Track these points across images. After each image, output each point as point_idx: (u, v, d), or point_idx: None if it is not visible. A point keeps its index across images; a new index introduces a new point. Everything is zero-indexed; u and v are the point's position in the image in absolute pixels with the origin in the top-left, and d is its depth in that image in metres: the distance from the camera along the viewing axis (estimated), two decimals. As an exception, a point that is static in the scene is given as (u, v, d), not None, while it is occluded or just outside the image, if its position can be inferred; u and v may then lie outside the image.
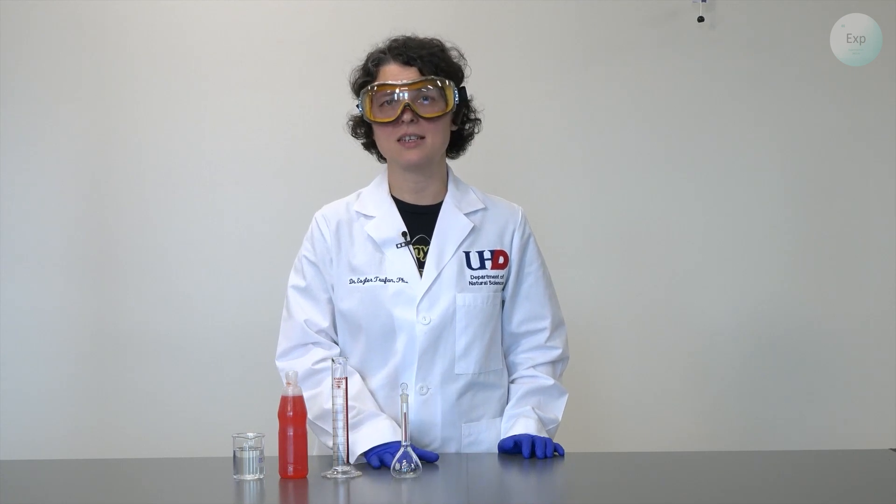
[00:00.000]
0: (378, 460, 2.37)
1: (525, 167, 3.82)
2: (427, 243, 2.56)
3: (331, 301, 2.58)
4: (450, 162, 2.66)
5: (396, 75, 2.50)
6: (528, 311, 2.63)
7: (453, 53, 2.59)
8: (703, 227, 3.83)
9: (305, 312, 2.57)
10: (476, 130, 2.66)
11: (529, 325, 2.63)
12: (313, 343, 2.56)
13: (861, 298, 3.82)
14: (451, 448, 2.54)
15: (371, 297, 2.53)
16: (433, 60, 2.51)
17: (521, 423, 2.52)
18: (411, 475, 2.25)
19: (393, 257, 2.54)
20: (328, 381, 2.37)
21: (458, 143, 2.63)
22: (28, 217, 3.80)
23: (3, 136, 3.80)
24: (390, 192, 2.60)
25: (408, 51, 2.51)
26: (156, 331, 3.78)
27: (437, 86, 2.50)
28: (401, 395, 2.27)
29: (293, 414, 2.25)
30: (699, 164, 3.83)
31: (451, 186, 2.62)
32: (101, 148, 3.81)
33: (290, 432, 2.25)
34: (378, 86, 2.50)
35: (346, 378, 2.26)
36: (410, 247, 2.55)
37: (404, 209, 2.58)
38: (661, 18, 3.80)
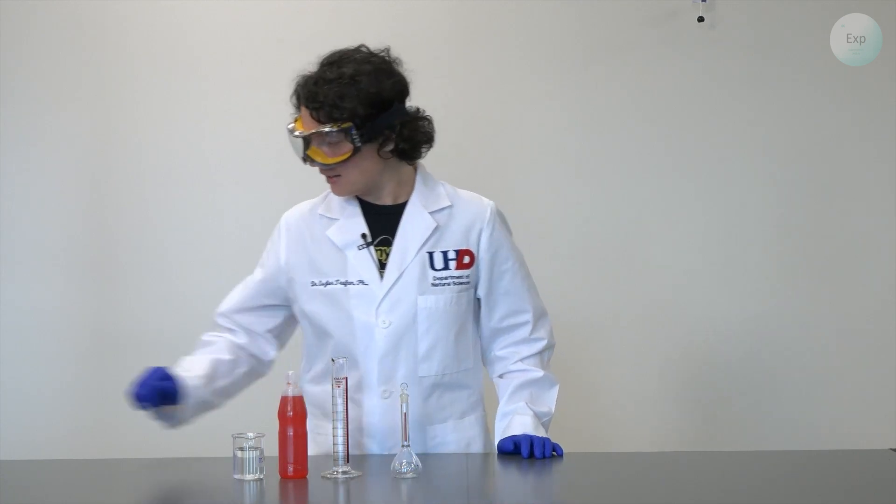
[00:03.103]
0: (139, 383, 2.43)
1: (525, 167, 3.81)
2: (390, 244, 2.54)
3: (265, 308, 2.62)
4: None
5: (301, 118, 2.49)
6: (510, 307, 2.60)
7: (370, 82, 2.45)
8: (702, 226, 3.83)
9: (233, 299, 2.66)
10: (423, 138, 2.54)
11: (512, 320, 2.61)
12: (231, 325, 2.65)
13: (861, 298, 3.82)
14: (416, 451, 2.52)
15: (332, 300, 2.52)
16: (331, 109, 2.42)
17: (517, 421, 2.51)
18: (411, 475, 2.25)
19: (354, 259, 2.52)
20: (209, 350, 2.58)
21: (405, 152, 2.53)
22: (28, 217, 3.80)
23: (3, 136, 3.80)
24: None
25: (308, 98, 2.45)
26: (156, 331, 3.78)
27: (335, 130, 2.43)
28: (401, 395, 2.27)
29: (293, 414, 2.25)
30: (699, 163, 3.83)
31: (418, 184, 2.58)
32: (101, 148, 3.81)
33: (290, 432, 2.25)
34: (288, 129, 2.50)
35: (346, 378, 2.26)
36: (372, 248, 2.53)
37: (369, 209, 2.56)
38: (661, 18, 3.80)
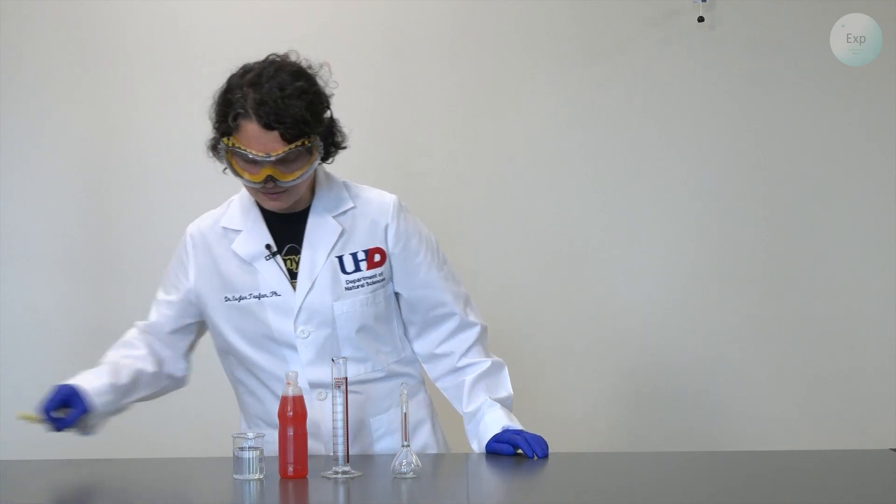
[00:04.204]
0: (52, 393, 2.46)
1: (524, 167, 3.81)
2: (298, 252, 2.51)
3: (184, 329, 2.63)
4: (325, 164, 2.56)
5: (257, 138, 2.35)
6: (431, 300, 2.57)
7: (317, 88, 2.42)
8: (702, 225, 3.83)
9: (159, 320, 2.65)
10: (344, 145, 2.52)
11: (436, 312, 2.58)
12: (146, 337, 2.64)
13: (861, 297, 3.82)
14: (365, 442, 2.53)
15: (248, 314, 2.50)
16: (297, 125, 2.34)
17: (490, 418, 2.49)
18: (411, 475, 2.25)
19: (264, 271, 2.50)
20: (131, 351, 2.60)
21: (325, 156, 2.49)
22: (28, 217, 3.80)
23: (3, 135, 3.80)
24: (256, 202, 2.53)
25: (269, 115, 2.33)
26: (156, 331, 3.78)
27: (301, 147, 2.36)
28: (400, 395, 2.27)
29: (293, 414, 2.25)
30: (698, 163, 3.83)
31: (319, 189, 2.54)
32: (101, 148, 3.81)
33: (290, 432, 2.25)
34: (238, 151, 2.38)
35: (346, 378, 2.26)
36: (279, 258, 2.51)
37: (272, 218, 2.53)
38: (661, 18, 3.80)
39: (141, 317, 3.78)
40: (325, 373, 2.46)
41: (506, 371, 2.60)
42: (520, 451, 2.45)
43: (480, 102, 3.82)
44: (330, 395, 2.46)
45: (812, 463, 2.48)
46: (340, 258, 2.51)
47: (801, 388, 3.82)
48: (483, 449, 2.51)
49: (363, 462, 2.41)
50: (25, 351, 3.79)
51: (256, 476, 2.23)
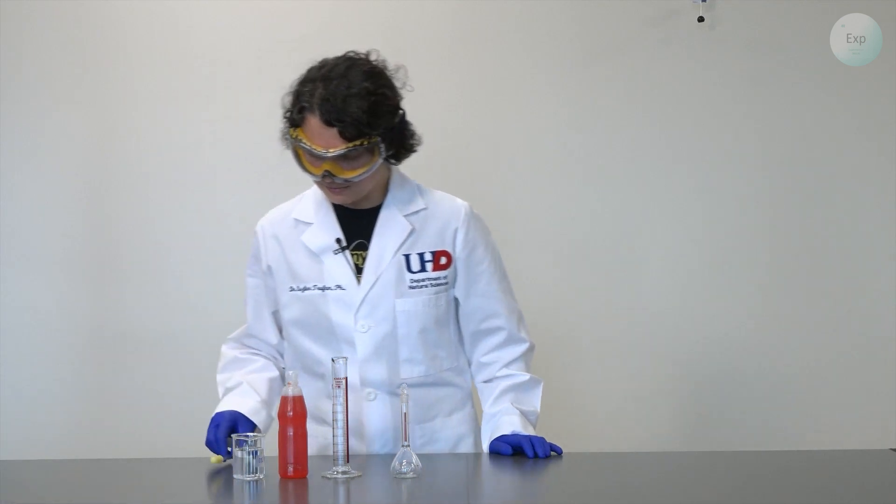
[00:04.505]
0: (214, 427, 2.42)
1: (524, 167, 3.81)
2: (366, 248, 2.53)
3: (275, 315, 2.62)
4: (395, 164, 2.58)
5: (319, 133, 2.39)
6: (486, 310, 2.59)
7: (385, 91, 2.44)
8: (702, 226, 3.83)
9: (253, 327, 2.64)
10: (415, 149, 2.56)
11: (489, 323, 2.60)
12: (252, 348, 2.65)
13: (861, 297, 3.82)
14: None
15: (311, 306, 2.53)
16: (356, 124, 2.37)
17: (505, 421, 2.51)
18: (411, 475, 2.25)
19: (331, 264, 2.52)
20: (243, 372, 2.57)
21: (396, 156, 2.52)
22: (28, 217, 3.80)
23: (3, 136, 3.80)
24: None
25: (330, 112, 2.37)
26: (156, 331, 3.79)
27: (360, 146, 2.40)
28: (401, 395, 2.27)
29: (293, 414, 2.26)
30: (698, 163, 3.83)
31: (392, 188, 2.57)
32: (101, 148, 3.81)
33: (290, 432, 2.25)
34: (300, 144, 2.42)
35: (346, 378, 2.26)
36: (347, 253, 2.53)
37: (344, 213, 2.55)
38: (661, 18, 3.80)
39: (140, 316, 3.81)
40: (379, 371, 2.50)
41: (540, 389, 2.61)
42: (520, 451, 2.45)
43: (480, 102, 3.81)
44: (379, 395, 2.49)
45: (812, 463, 2.48)
46: (407, 256, 2.53)
47: (801, 388, 3.82)
48: (487, 448, 2.52)
49: (363, 462, 2.41)
50: (25, 351, 3.79)
51: (256, 476, 2.23)
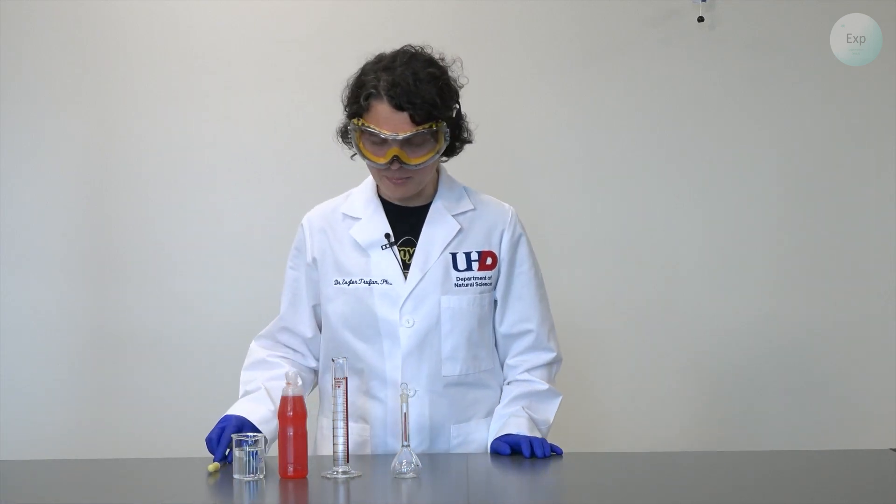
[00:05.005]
0: (220, 428, 2.40)
1: (525, 167, 3.82)
2: (413, 245, 2.55)
3: (315, 309, 2.61)
4: (445, 162, 2.63)
5: (387, 119, 2.42)
6: (520, 313, 2.61)
7: (448, 78, 2.50)
8: (702, 226, 3.84)
9: (287, 319, 2.63)
10: (470, 140, 2.60)
11: (521, 327, 2.61)
12: (284, 345, 2.64)
13: (861, 298, 3.82)
14: (441, 448, 2.54)
15: (355, 299, 2.53)
16: (426, 107, 2.41)
17: (512, 422, 2.51)
18: (411, 475, 2.25)
19: (378, 259, 2.53)
20: (266, 377, 2.53)
21: (450, 150, 2.56)
22: (28, 217, 3.80)
23: (3, 136, 3.80)
24: (378, 192, 2.59)
25: (400, 96, 2.40)
26: (156, 331, 3.79)
27: (428, 130, 2.43)
28: (401, 395, 2.27)
29: (293, 414, 2.26)
30: (699, 163, 3.83)
31: (441, 187, 2.59)
32: (101, 148, 3.81)
33: (290, 432, 2.25)
34: (367, 130, 2.44)
35: (346, 378, 2.26)
36: (395, 248, 2.54)
37: (392, 210, 2.57)
38: (661, 18, 3.80)
39: (140, 316, 3.81)
40: (420, 368, 2.51)
41: (557, 402, 2.62)
42: (518, 452, 2.45)
43: (480, 102, 3.81)
44: (419, 392, 2.50)
45: (812, 463, 2.48)
46: (454, 255, 2.55)
47: (801, 388, 3.82)
48: (489, 447, 2.52)
49: (363, 462, 2.41)
50: (25, 351, 3.79)
51: (256, 476, 2.23)
